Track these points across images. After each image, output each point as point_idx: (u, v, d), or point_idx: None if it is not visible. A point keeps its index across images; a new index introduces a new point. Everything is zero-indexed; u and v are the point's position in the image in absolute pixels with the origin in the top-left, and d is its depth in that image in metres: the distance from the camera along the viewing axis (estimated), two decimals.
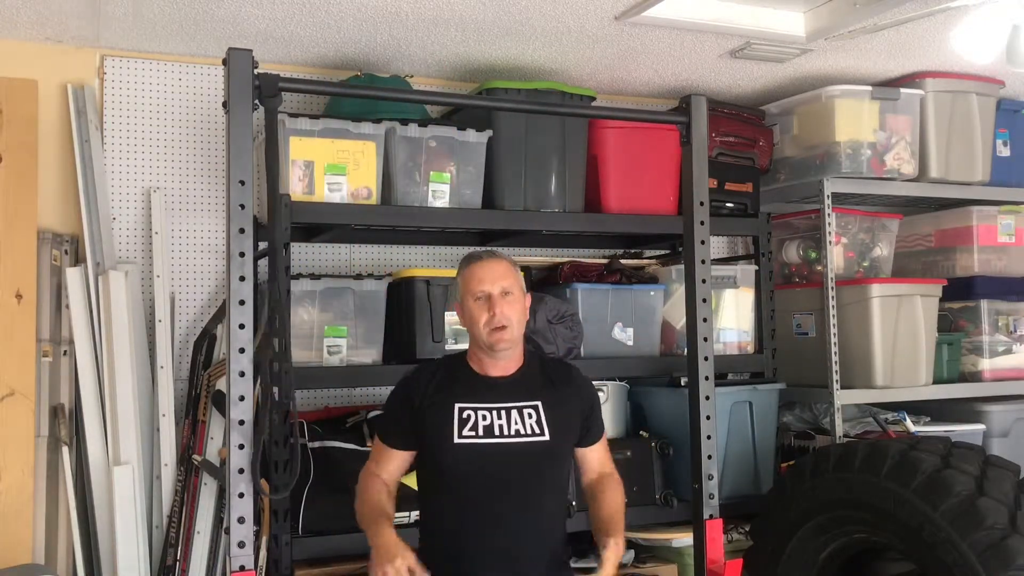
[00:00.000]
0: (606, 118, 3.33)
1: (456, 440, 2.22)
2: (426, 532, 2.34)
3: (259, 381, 2.42)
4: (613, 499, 2.35)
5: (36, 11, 2.86)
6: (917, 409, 3.62)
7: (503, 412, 2.27)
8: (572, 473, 2.43)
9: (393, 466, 2.32)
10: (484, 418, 2.25)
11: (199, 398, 3.09)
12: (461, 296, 2.35)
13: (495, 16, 2.94)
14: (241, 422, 2.16)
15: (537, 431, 2.25)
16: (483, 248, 2.44)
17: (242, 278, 2.20)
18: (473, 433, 2.23)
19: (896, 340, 3.52)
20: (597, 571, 2.16)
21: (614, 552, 2.16)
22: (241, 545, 2.13)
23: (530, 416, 2.27)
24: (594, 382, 3.13)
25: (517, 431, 2.25)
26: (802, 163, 3.72)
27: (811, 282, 3.67)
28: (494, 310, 2.25)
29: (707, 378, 2.79)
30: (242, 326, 2.18)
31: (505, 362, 2.34)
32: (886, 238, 3.81)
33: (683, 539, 3.15)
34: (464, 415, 2.25)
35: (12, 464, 2.87)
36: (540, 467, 2.26)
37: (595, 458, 2.42)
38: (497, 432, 2.24)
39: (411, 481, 2.38)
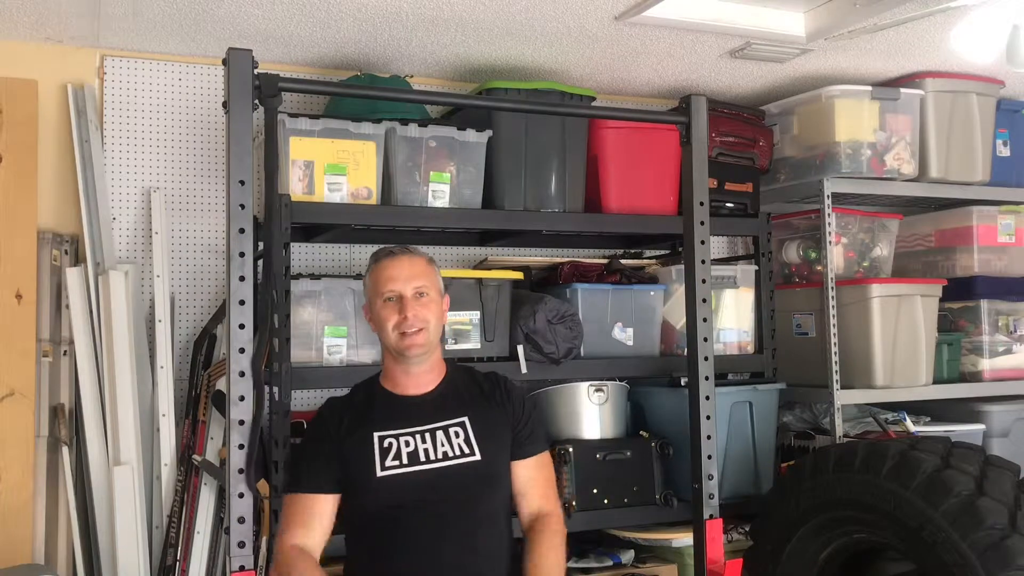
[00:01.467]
0: (606, 118, 3.33)
1: (380, 473, 2.05)
2: (355, 567, 2.16)
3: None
4: (551, 558, 2.10)
5: (36, 11, 2.86)
6: (917, 409, 3.62)
7: (427, 435, 2.10)
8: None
9: (320, 522, 2.09)
10: (407, 444, 2.08)
11: (199, 398, 3.09)
12: (369, 297, 2.19)
13: (495, 16, 2.94)
14: (241, 422, 2.16)
15: (467, 450, 2.09)
16: (396, 245, 2.25)
17: (242, 278, 2.19)
18: (397, 463, 2.06)
19: (896, 340, 3.52)
20: None
21: None
22: (241, 545, 2.13)
23: (457, 435, 2.10)
24: (594, 382, 3.20)
25: (445, 453, 2.08)
26: (802, 163, 3.72)
27: (811, 282, 3.67)
28: (405, 312, 2.09)
29: (707, 378, 2.79)
30: (242, 326, 2.18)
31: (423, 375, 2.17)
32: (886, 238, 3.81)
33: (683, 539, 3.15)
34: (385, 444, 2.08)
35: (12, 464, 2.87)
36: (475, 490, 2.09)
37: (533, 480, 2.19)
38: (423, 457, 2.07)
39: None
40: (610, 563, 3.19)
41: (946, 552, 2.50)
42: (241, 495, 2.15)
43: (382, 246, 2.30)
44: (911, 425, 3.42)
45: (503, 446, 2.17)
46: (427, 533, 2.06)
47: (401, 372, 2.19)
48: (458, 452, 2.10)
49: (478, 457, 2.10)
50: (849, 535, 2.87)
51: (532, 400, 2.34)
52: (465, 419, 2.14)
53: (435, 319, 2.15)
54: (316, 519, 2.11)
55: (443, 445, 2.10)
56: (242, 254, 2.20)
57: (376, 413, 2.16)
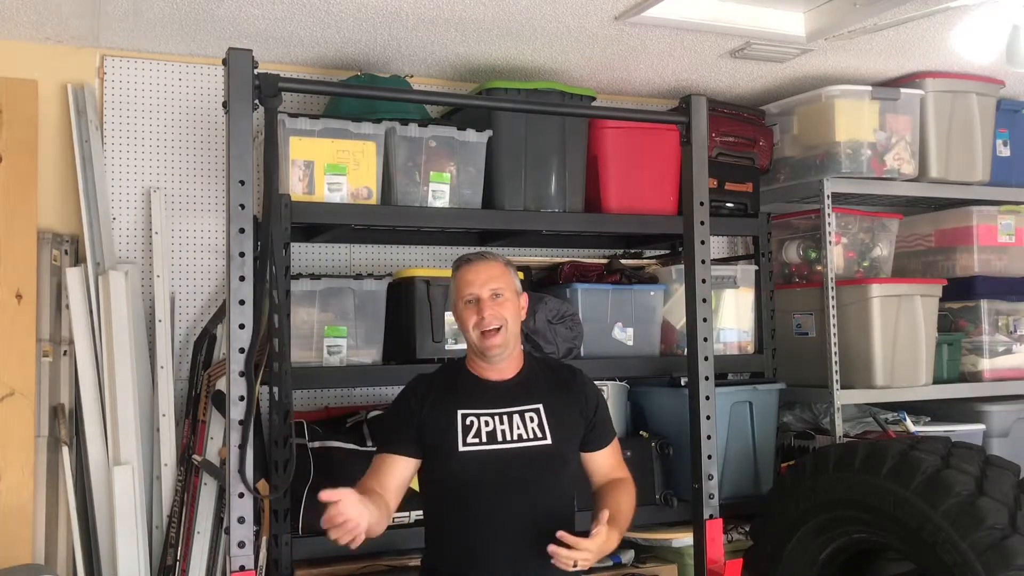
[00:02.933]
0: (606, 118, 3.33)
1: (461, 448, 2.20)
2: (433, 541, 2.31)
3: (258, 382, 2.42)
4: (621, 496, 2.31)
5: (36, 11, 2.86)
6: (917, 409, 3.62)
7: (504, 417, 2.25)
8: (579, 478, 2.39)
9: (394, 481, 2.21)
10: (487, 424, 2.23)
11: (199, 398, 3.09)
12: (453, 300, 2.34)
13: (495, 16, 2.94)
14: (241, 422, 2.16)
15: (539, 435, 2.24)
16: (476, 250, 2.42)
17: (242, 278, 2.20)
18: (477, 440, 2.21)
19: (896, 340, 3.51)
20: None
21: (601, 536, 2.07)
22: (241, 545, 2.13)
23: (532, 420, 2.25)
24: (594, 382, 3.18)
25: (520, 436, 2.23)
26: (802, 163, 3.72)
27: (811, 282, 3.67)
28: (483, 313, 2.23)
29: (707, 378, 2.79)
30: (242, 326, 2.18)
31: (503, 365, 2.31)
32: (886, 238, 3.81)
33: (683, 539, 3.16)
34: (467, 421, 2.23)
35: (12, 464, 2.87)
36: (543, 471, 2.24)
37: (604, 463, 2.38)
38: (500, 438, 2.22)
39: (413, 481, 2.36)
40: (610, 563, 3.18)
41: (946, 552, 2.50)
42: (241, 495, 2.15)
43: (464, 253, 2.39)
44: (911, 425, 3.42)
45: (573, 433, 2.32)
46: (500, 503, 2.20)
47: (487, 365, 2.32)
48: (531, 436, 2.24)
49: (549, 441, 2.25)
50: (849, 535, 2.87)
51: (602, 394, 2.49)
52: (540, 406, 2.28)
53: (512, 317, 2.29)
54: (391, 474, 2.21)
55: (518, 428, 2.25)
56: (242, 254, 2.20)
57: (460, 392, 2.29)
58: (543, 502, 2.24)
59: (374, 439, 2.36)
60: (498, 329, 2.24)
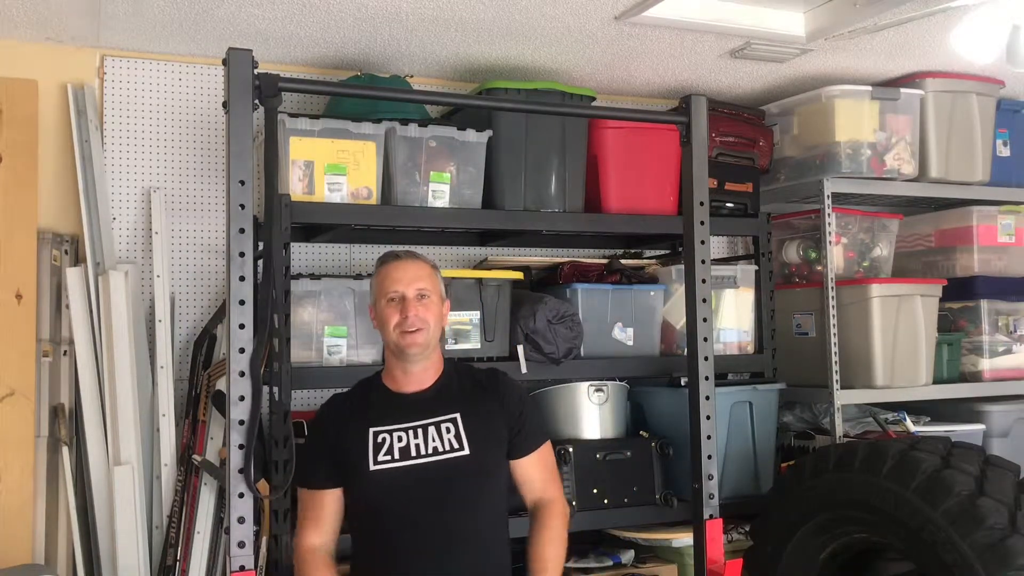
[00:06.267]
0: (606, 118, 3.33)
1: (372, 467, 2.11)
2: (357, 564, 2.24)
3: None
4: (545, 549, 2.18)
5: (36, 11, 2.86)
6: (917, 409, 3.61)
7: (419, 430, 2.16)
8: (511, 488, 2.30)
9: (328, 516, 2.17)
10: (400, 439, 2.15)
11: (199, 398, 3.09)
12: (375, 297, 2.26)
13: (495, 16, 2.94)
14: (241, 422, 2.16)
15: (456, 446, 2.15)
16: (402, 248, 2.34)
17: (242, 278, 2.19)
18: (389, 457, 2.13)
19: (896, 340, 3.51)
20: None
21: None
22: (241, 545, 2.13)
23: (448, 430, 2.16)
24: (594, 382, 3.19)
25: (435, 448, 2.14)
26: (802, 163, 3.72)
27: (811, 282, 3.67)
28: (407, 312, 2.16)
29: (707, 378, 2.78)
30: (242, 326, 2.18)
31: (420, 373, 2.23)
32: (886, 238, 3.81)
33: (683, 539, 3.15)
34: (379, 439, 2.15)
35: (12, 464, 2.87)
36: (464, 484, 2.14)
37: (533, 474, 2.27)
38: (414, 452, 2.13)
39: None
40: (610, 563, 3.19)
41: (946, 552, 2.50)
42: (241, 495, 2.14)
43: (388, 250, 2.34)
44: (911, 425, 3.42)
45: (496, 441, 2.23)
46: (418, 527, 2.12)
47: (400, 370, 2.25)
48: (448, 447, 2.15)
49: (467, 452, 2.15)
50: (849, 535, 2.87)
51: (528, 395, 2.42)
52: (457, 415, 2.19)
53: (434, 320, 2.22)
54: (325, 514, 2.17)
55: (434, 440, 2.16)
56: (242, 254, 2.19)
57: (374, 409, 2.22)
58: (466, 519, 2.13)
59: (297, 475, 2.32)
60: (419, 330, 2.17)
